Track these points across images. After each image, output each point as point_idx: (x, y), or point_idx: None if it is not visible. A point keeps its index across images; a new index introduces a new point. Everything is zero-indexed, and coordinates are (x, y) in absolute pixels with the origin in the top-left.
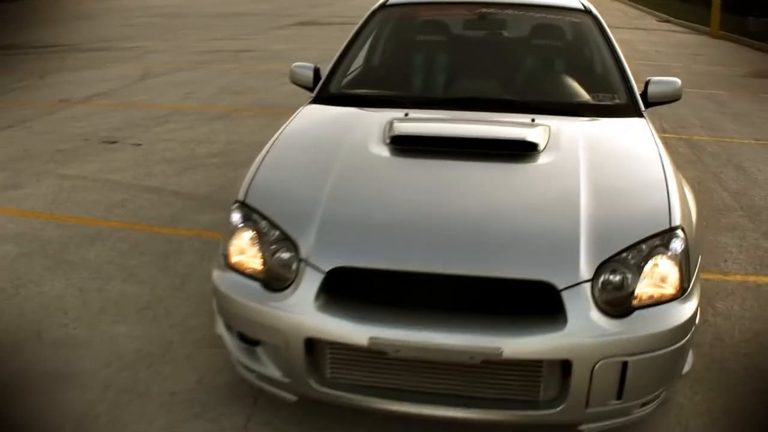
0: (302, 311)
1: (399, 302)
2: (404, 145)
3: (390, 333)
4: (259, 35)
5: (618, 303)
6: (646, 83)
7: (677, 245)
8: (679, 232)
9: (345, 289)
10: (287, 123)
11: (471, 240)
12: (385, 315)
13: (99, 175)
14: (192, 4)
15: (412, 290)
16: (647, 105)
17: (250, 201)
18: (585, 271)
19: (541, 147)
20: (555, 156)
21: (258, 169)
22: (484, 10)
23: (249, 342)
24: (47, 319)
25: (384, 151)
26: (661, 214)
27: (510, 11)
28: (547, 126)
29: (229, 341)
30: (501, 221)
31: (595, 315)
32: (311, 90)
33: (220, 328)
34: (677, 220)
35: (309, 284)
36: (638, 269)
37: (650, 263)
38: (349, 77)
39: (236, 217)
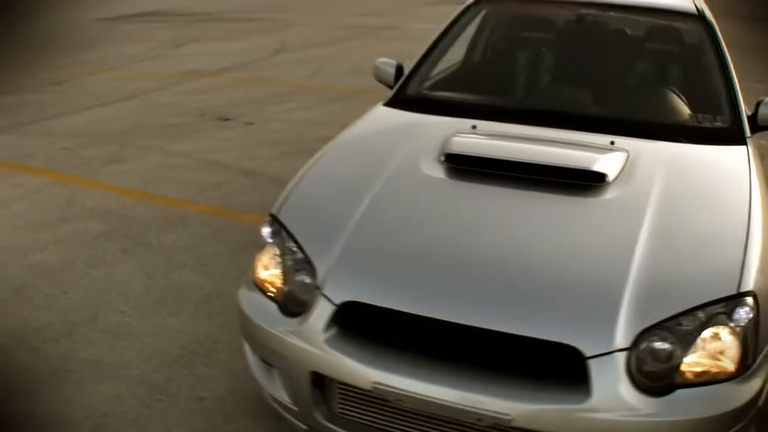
0: (310, 342)
1: (412, 347)
2: (458, 165)
3: (395, 380)
4: (405, 12)
5: (659, 378)
6: (758, 104)
7: (743, 315)
8: (749, 299)
9: (357, 324)
10: (349, 127)
11: (500, 289)
12: (393, 359)
13: (203, 153)
14: None
15: (427, 336)
16: (756, 129)
17: (282, 216)
18: (622, 337)
19: (610, 178)
20: (624, 190)
21: (300, 180)
22: (584, 11)
23: (266, 362)
24: (107, 303)
25: (435, 170)
26: (730, 274)
27: (613, 13)
28: (626, 152)
29: (249, 357)
30: (540, 268)
31: (627, 390)
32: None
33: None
34: (749, 283)
35: (319, 314)
36: (689, 340)
37: (706, 334)
38: (433, 78)
39: (265, 231)
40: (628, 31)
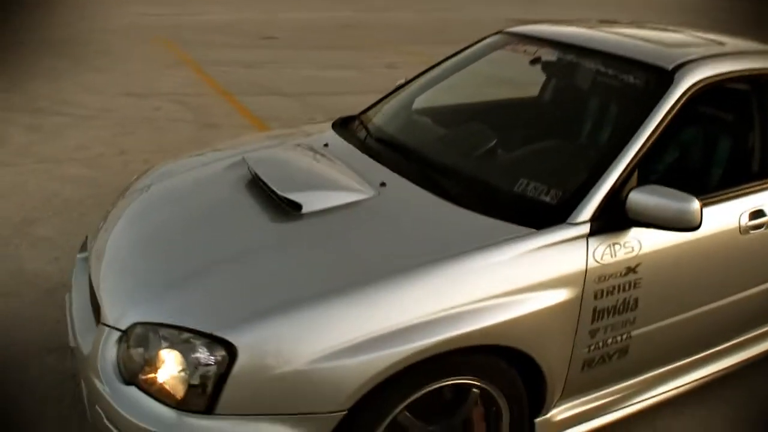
0: None
1: None
2: (245, 169)
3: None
4: None
5: (129, 375)
6: (630, 189)
7: (204, 357)
8: (220, 348)
9: None
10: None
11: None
12: None
13: None
14: None
15: None
16: (629, 223)
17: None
18: (123, 320)
19: (305, 209)
20: (313, 221)
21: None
22: (542, 56)
23: None
24: None
25: (237, 168)
26: (232, 315)
27: (573, 58)
28: (374, 194)
29: None
30: (175, 258)
31: (111, 367)
32: None
33: None
34: (230, 331)
35: None
36: (156, 348)
37: (169, 353)
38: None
39: None
40: (587, 80)
